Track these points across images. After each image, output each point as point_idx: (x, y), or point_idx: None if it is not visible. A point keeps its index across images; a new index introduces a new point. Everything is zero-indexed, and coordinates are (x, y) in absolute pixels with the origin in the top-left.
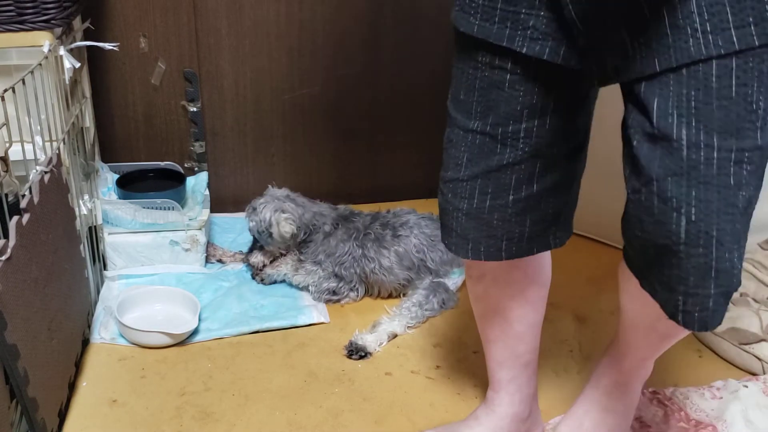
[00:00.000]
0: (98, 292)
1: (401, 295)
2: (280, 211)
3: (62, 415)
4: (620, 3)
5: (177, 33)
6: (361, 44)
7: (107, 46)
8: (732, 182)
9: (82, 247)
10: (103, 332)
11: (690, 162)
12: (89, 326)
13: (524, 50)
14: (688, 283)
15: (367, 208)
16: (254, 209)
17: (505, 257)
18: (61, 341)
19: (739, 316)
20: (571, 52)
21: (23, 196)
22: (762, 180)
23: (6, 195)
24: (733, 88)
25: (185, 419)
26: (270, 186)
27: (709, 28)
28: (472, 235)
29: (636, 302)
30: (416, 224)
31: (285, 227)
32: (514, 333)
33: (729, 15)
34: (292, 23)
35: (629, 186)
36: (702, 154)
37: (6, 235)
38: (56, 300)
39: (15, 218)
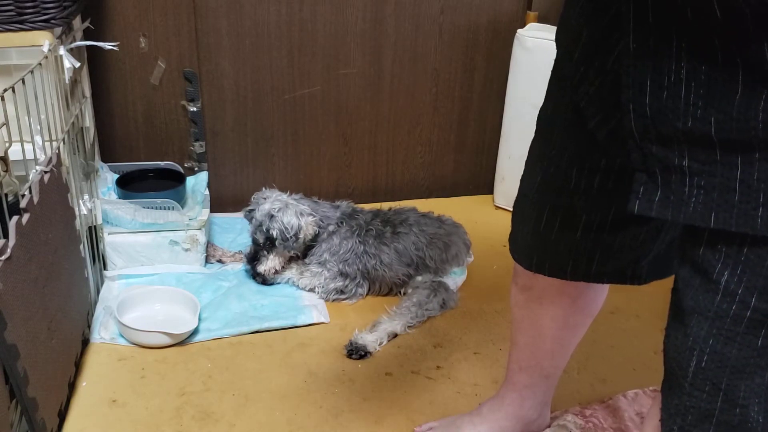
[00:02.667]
0: (98, 292)
1: (401, 293)
2: (304, 214)
3: (62, 415)
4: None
5: (177, 33)
6: (361, 44)
7: (107, 45)
8: (759, 344)
9: (81, 247)
10: (103, 332)
11: (719, 311)
12: (89, 326)
13: (582, 104)
14: (686, 419)
15: (368, 207)
16: (272, 216)
17: (571, 278)
18: (61, 341)
19: None
20: None
21: (23, 195)
22: None
23: (6, 195)
24: None
25: (185, 419)
26: (264, 188)
27: None
28: (537, 253)
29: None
30: (416, 222)
31: (310, 230)
32: (546, 348)
33: None
34: (292, 23)
35: (672, 294)
36: (734, 308)
37: (6, 235)
38: (56, 300)
39: (15, 218)
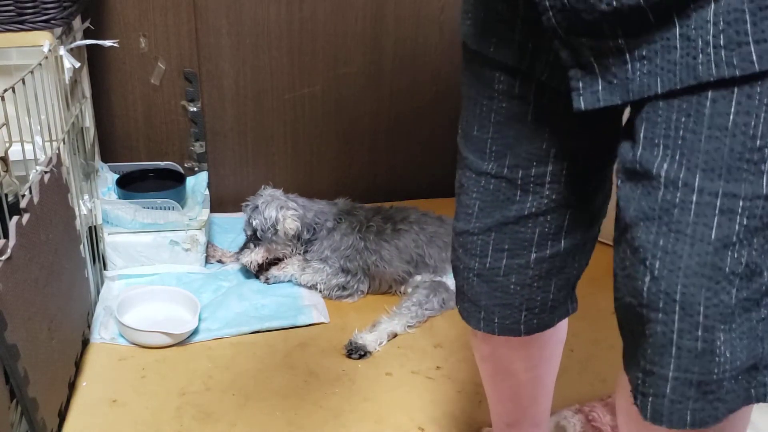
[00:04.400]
0: (98, 292)
1: (400, 293)
2: (285, 208)
3: (62, 415)
4: (615, 8)
5: (177, 33)
6: (361, 44)
7: (107, 43)
8: (713, 236)
9: (82, 247)
10: (103, 332)
11: (663, 204)
12: (89, 326)
13: (544, 77)
14: (646, 357)
15: (369, 206)
16: (256, 208)
17: (524, 332)
18: (61, 341)
19: None
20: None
21: (23, 196)
22: None
23: (6, 195)
24: (731, 117)
25: (185, 419)
26: (264, 186)
27: (722, 42)
28: (484, 302)
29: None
30: (416, 221)
31: (290, 224)
32: (527, 393)
33: (749, 26)
34: (292, 23)
35: (614, 237)
36: (678, 195)
37: (6, 235)
38: (56, 300)
39: (15, 218)
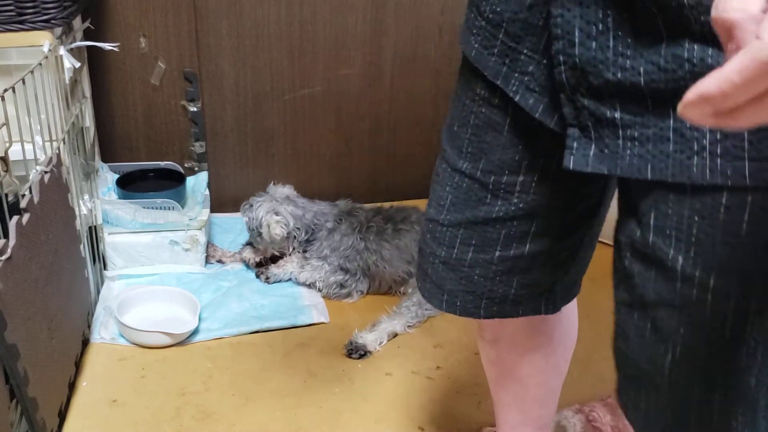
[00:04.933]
0: (98, 292)
1: (400, 293)
2: (273, 212)
3: (62, 415)
4: (618, 82)
5: (177, 33)
6: (361, 44)
7: (107, 46)
8: (729, 335)
9: (82, 247)
10: (103, 332)
11: (683, 297)
12: (89, 326)
13: (517, 98)
14: (667, 420)
15: (369, 207)
16: (251, 206)
17: (484, 315)
18: (61, 341)
19: None
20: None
21: (23, 195)
22: None
23: (6, 195)
24: (744, 226)
25: (185, 419)
26: (272, 183)
27: (719, 151)
28: (448, 287)
29: None
30: (417, 220)
31: (275, 229)
32: (533, 397)
33: (746, 142)
34: (292, 23)
35: (618, 295)
36: (695, 292)
37: (6, 235)
38: (56, 300)
39: (15, 218)
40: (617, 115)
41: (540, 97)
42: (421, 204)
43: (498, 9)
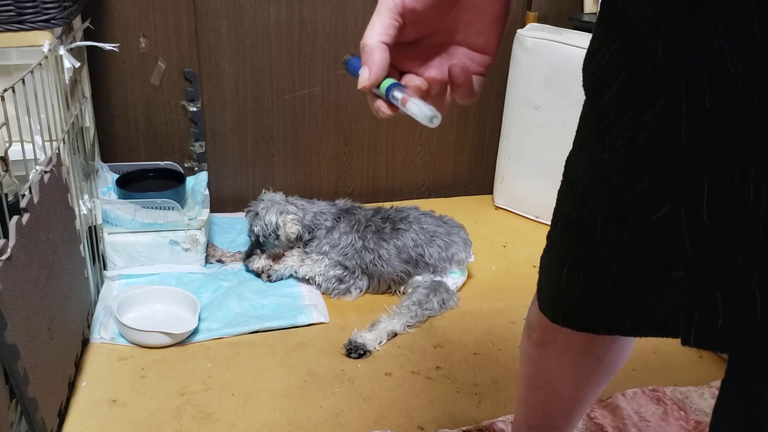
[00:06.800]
0: (98, 292)
1: (400, 293)
2: (285, 213)
3: (62, 415)
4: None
5: (177, 33)
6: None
7: (107, 46)
8: None
9: (82, 246)
10: (103, 332)
11: None
12: (89, 326)
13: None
14: None
15: (369, 207)
16: (257, 214)
17: (603, 331)
18: (61, 341)
19: None
20: None
21: (23, 195)
22: None
23: (6, 195)
24: None
25: (185, 419)
26: (264, 191)
27: None
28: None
29: None
30: (416, 220)
31: (291, 228)
32: (561, 408)
33: None
34: (292, 23)
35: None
36: None
37: (6, 235)
38: (56, 300)
39: (15, 218)
40: (754, 284)
41: (621, 169)
42: (421, 204)
43: None
